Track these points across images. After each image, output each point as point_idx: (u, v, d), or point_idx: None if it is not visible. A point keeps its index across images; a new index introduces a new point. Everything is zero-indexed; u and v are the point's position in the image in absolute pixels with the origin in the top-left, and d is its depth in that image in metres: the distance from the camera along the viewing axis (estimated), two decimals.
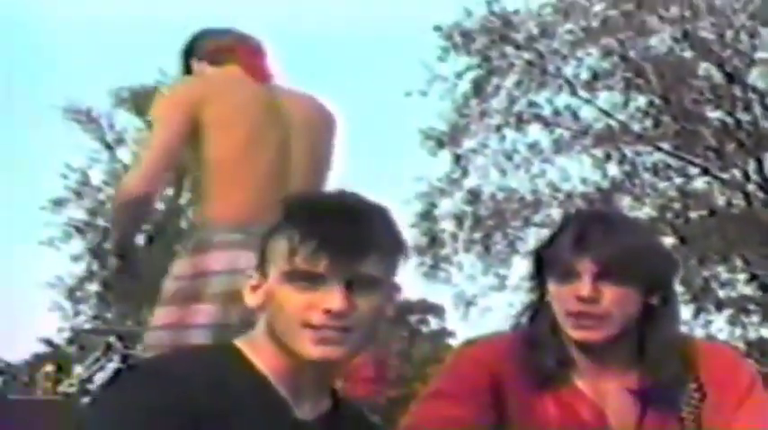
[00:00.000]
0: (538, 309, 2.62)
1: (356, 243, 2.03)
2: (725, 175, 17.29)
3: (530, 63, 17.21)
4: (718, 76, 16.81)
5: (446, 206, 18.46)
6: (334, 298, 2.01)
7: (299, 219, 2.06)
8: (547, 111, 17.56)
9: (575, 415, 2.55)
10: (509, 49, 17.23)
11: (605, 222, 2.59)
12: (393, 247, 2.12)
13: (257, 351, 2.09)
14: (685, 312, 17.18)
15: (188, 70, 3.94)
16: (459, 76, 17.40)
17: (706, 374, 2.56)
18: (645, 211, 17.09)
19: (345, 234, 2.02)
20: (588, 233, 2.51)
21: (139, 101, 25.94)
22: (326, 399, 2.15)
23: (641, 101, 17.26)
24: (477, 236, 18.25)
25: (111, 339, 10.27)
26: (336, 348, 2.03)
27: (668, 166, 17.48)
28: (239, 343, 2.14)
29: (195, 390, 1.95)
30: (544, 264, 2.60)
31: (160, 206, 24.07)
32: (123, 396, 1.98)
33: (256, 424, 2.00)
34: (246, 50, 3.87)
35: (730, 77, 16.67)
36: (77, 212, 28.74)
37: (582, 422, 2.55)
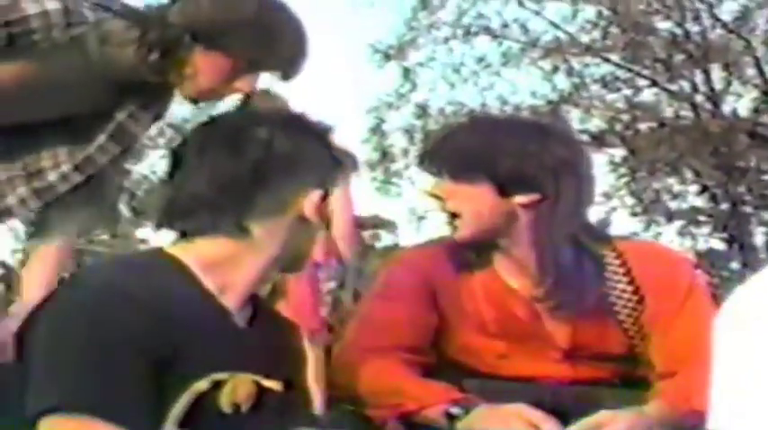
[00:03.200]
0: None
1: None
2: (673, 87, 17.27)
3: None
4: None
5: (395, 120, 18.37)
6: None
7: None
8: (495, 24, 17.48)
9: (511, 314, 2.50)
10: None
11: (460, 125, 2.60)
12: None
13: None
14: (636, 224, 17.29)
15: None
16: None
17: (641, 276, 2.47)
18: (594, 123, 17.11)
19: None
20: (441, 137, 2.56)
21: None
22: (248, 303, 2.08)
23: (590, 12, 17.18)
24: None
25: None
26: None
27: (617, 78, 17.43)
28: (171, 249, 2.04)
29: (142, 306, 1.86)
30: None
31: None
32: (69, 319, 1.87)
33: (205, 336, 1.92)
34: None
35: None
36: None
37: (518, 320, 2.50)
